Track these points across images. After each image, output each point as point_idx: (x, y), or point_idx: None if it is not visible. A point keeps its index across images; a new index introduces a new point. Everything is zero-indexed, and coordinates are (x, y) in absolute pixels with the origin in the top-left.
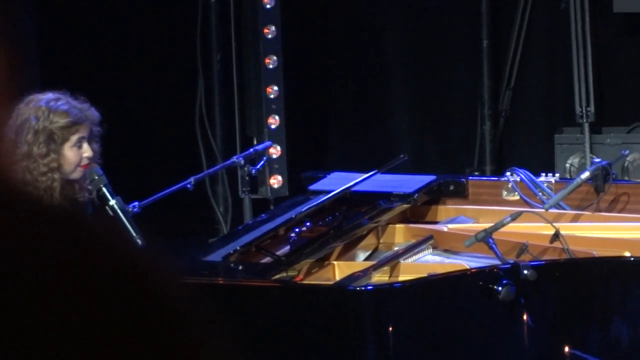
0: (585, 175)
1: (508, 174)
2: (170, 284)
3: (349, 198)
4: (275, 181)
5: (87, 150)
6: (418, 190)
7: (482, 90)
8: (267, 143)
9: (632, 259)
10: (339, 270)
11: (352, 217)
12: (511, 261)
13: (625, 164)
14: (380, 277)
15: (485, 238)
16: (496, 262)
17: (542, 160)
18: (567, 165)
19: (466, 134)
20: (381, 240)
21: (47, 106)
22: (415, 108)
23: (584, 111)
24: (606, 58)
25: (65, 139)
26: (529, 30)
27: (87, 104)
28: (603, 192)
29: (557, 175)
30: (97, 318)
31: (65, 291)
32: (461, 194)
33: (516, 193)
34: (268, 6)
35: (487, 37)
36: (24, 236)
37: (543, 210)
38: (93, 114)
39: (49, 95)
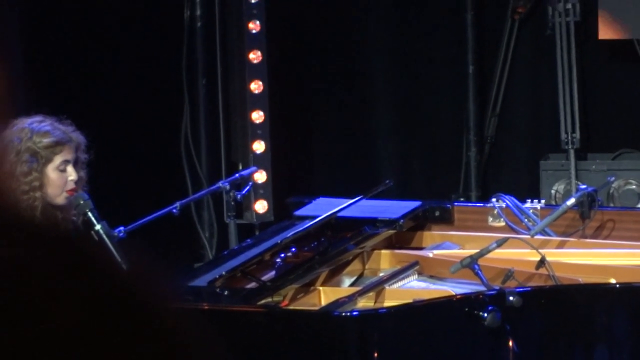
0: (571, 201)
1: (494, 200)
2: (159, 307)
3: (335, 223)
4: (261, 206)
5: (71, 174)
6: (403, 216)
7: (468, 116)
8: (253, 168)
9: (617, 285)
10: (325, 295)
11: (338, 242)
12: (497, 287)
13: (611, 191)
14: (365, 303)
15: (471, 264)
16: (482, 288)
17: (527, 187)
18: (553, 191)
19: (452, 160)
20: (367, 266)
21: (30, 127)
22: (401, 133)
23: (569, 137)
24: (591, 84)
25: (49, 160)
26: (514, 57)
27: (72, 127)
28: (589, 218)
29: (543, 201)
30: (87, 340)
31: (56, 313)
32: (447, 220)
33: (502, 219)
34: (254, 31)
35: (473, 63)
36: (15, 258)
37: (529, 236)
38: (78, 137)
39: (34, 117)
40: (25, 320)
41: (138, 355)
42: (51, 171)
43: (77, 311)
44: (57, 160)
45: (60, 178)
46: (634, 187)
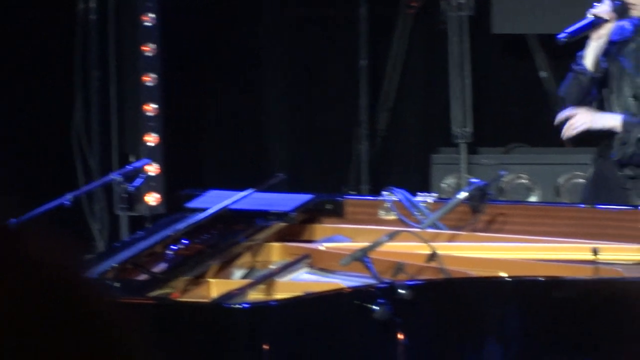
0: (463, 195)
1: (385, 193)
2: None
3: (227, 216)
4: (153, 198)
5: None
6: (295, 209)
7: (360, 110)
8: (145, 160)
9: (508, 279)
10: (216, 288)
11: (229, 235)
12: (387, 280)
13: (501, 185)
14: (256, 295)
15: (362, 257)
16: (372, 281)
17: (418, 180)
18: (444, 185)
19: (343, 153)
20: (258, 259)
21: None
22: (293, 127)
23: (460, 131)
24: (484, 79)
25: None
26: (407, 50)
27: None
28: (480, 212)
29: (434, 195)
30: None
31: None
32: (338, 213)
33: (393, 212)
34: (147, 23)
35: (365, 56)
36: None
37: (420, 229)
38: None
39: None
40: None
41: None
42: None
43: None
44: None
45: None
46: (525, 181)
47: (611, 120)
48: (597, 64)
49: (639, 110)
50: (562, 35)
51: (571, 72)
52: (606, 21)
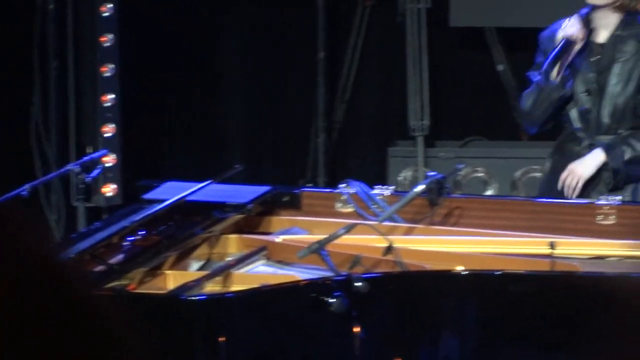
0: (420, 188)
1: (342, 185)
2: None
3: (184, 207)
4: (110, 189)
5: None
6: (252, 201)
7: (317, 102)
8: (102, 151)
9: (464, 272)
10: (173, 279)
11: (186, 226)
12: (344, 273)
13: (458, 178)
14: (212, 287)
15: (319, 249)
16: (329, 273)
17: (375, 173)
18: (400, 178)
19: (300, 145)
20: (214, 251)
21: None
22: (251, 118)
23: (418, 124)
24: (441, 72)
25: None
26: (365, 43)
27: None
28: (437, 205)
29: (392, 188)
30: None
31: None
32: (295, 205)
33: (350, 205)
34: (106, 14)
35: (323, 49)
36: None
37: (377, 222)
38: None
39: None
40: None
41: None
42: None
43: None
44: None
45: None
46: (481, 174)
47: (597, 158)
48: (565, 79)
49: (592, 104)
50: (543, 68)
51: (537, 86)
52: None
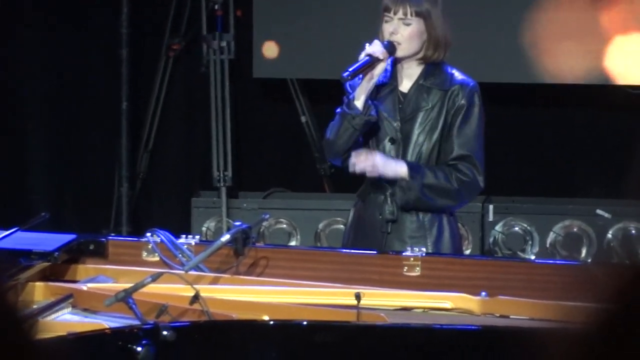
0: (226, 237)
1: (149, 234)
2: None
3: None
4: None
5: None
6: (58, 249)
7: (120, 152)
8: None
9: (270, 322)
10: None
11: None
12: (151, 322)
13: (262, 229)
14: None
15: (125, 298)
16: (136, 322)
17: (179, 223)
18: (204, 228)
19: (104, 195)
20: (20, 298)
21: None
22: (55, 166)
23: (221, 175)
24: (245, 123)
25: None
26: (168, 93)
27: None
28: (243, 255)
29: (197, 237)
30: None
31: None
32: (101, 253)
33: (157, 254)
34: None
35: (127, 99)
36: None
37: (183, 271)
38: None
39: None
40: None
41: None
42: None
43: None
44: None
45: None
46: (285, 226)
47: (399, 169)
48: (368, 107)
49: (396, 154)
50: (345, 73)
51: (341, 115)
52: (380, 61)
